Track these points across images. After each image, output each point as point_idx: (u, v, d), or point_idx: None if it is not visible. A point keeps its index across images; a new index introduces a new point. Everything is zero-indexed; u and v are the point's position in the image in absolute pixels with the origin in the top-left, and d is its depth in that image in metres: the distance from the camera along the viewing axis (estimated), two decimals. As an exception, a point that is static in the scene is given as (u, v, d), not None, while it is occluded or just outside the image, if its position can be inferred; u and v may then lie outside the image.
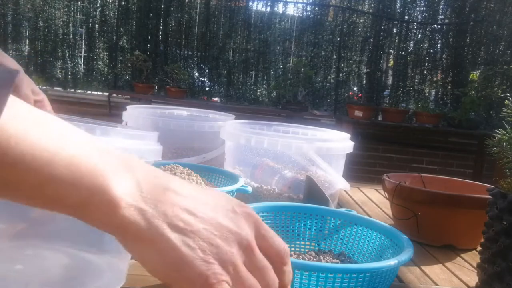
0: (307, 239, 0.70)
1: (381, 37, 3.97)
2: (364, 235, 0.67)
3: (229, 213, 0.35)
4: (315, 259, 0.64)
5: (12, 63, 0.76)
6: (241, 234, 0.34)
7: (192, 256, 0.32)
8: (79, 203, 0.29)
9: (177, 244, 0.31)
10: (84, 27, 3.83)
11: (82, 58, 3.88)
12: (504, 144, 0.63)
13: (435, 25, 3.98)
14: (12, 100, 0.26)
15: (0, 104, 0.25)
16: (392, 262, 0.50)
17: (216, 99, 3.99)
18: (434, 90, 4.07)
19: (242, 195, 0.87)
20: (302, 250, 0.70)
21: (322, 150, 0.95)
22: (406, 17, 3.96)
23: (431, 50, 4.02)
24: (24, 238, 0.51)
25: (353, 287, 0.49)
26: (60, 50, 3.78)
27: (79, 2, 3.80)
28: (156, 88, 3.82)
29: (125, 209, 0.30)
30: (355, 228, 0.68)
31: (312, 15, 3.95)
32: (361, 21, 4.01)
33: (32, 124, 0.27)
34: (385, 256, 0.61)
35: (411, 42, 4.02)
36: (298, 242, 0.70)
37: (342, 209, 0.72)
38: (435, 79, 4.04)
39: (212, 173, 0.94)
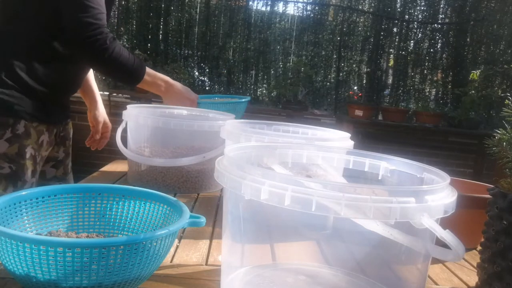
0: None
1: (382, 37, 3.97)
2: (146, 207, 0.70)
3: None
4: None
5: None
6: None
7: None
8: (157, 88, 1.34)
9: None
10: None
11: (82, 57, 3.87)
12: (504, 144, 0.63)
13: (435, 25, 3.98)
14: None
15: (143, 68, 1.28)
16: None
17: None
18: (434, 90, 4.07)
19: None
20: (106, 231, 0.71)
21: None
22: (407, 16, 3.96)
23: (432, 50, 4.02)
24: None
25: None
26: (60, 49, 3.78)
27: (79, 1, 3.79)
28: (156, 87, 3.81)
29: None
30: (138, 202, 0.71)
31: (312, 15, 3.95)
32: (361, 20, 4.01)
33: (149, 71, 1.29)
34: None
35: (412, 41, 4.02)
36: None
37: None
38: (435, 78, 4.04)
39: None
